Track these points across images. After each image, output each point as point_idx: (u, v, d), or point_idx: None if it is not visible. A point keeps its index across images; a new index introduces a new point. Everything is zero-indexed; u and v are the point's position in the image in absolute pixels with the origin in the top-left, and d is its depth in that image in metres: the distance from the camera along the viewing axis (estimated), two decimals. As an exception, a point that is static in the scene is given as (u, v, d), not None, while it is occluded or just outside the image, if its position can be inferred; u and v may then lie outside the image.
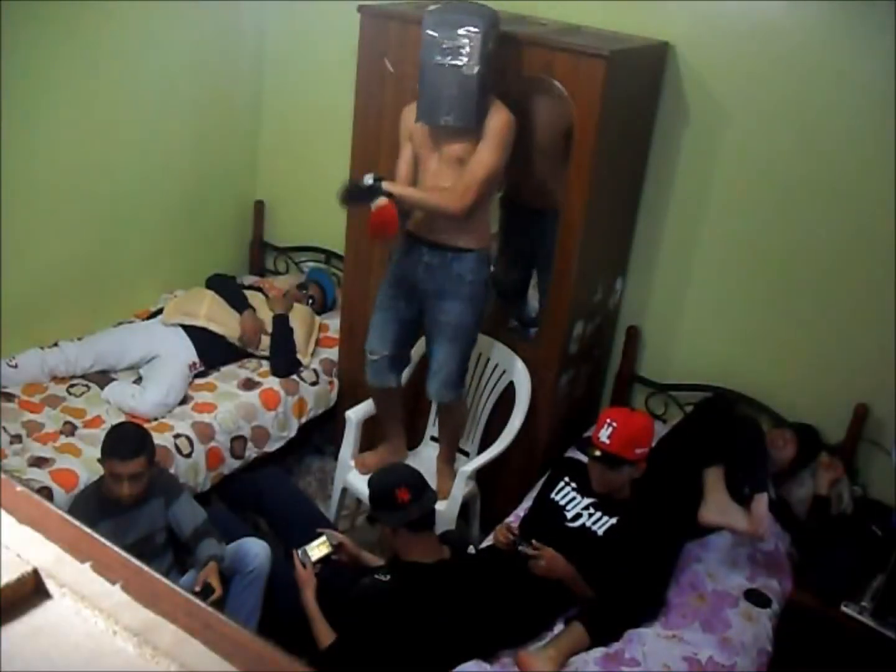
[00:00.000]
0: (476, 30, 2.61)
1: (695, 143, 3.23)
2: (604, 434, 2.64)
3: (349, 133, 3.34)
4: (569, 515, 2.73)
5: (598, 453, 2.65)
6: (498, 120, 2.73)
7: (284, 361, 3.66)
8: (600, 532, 2.67)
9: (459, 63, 2.63)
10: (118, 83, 3.58)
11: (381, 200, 2.67)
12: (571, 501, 2.76)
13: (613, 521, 2.68)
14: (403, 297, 2.99)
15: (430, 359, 3.07)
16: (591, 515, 2.71)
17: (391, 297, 3.02)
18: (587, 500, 2.74)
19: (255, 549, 2.72)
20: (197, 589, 2.47)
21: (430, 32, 2.65)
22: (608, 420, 2.66)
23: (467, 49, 2.61)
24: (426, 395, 3.12)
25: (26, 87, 3.23)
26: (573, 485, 2.80)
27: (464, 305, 2.92)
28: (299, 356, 3.71)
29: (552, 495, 2.82)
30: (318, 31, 3.92)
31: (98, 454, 2.71)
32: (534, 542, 2.54)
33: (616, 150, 3.06)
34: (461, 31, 2.61)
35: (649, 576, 2.69)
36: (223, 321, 3.67)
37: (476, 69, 2.63)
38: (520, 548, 2.55)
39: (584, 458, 2.78)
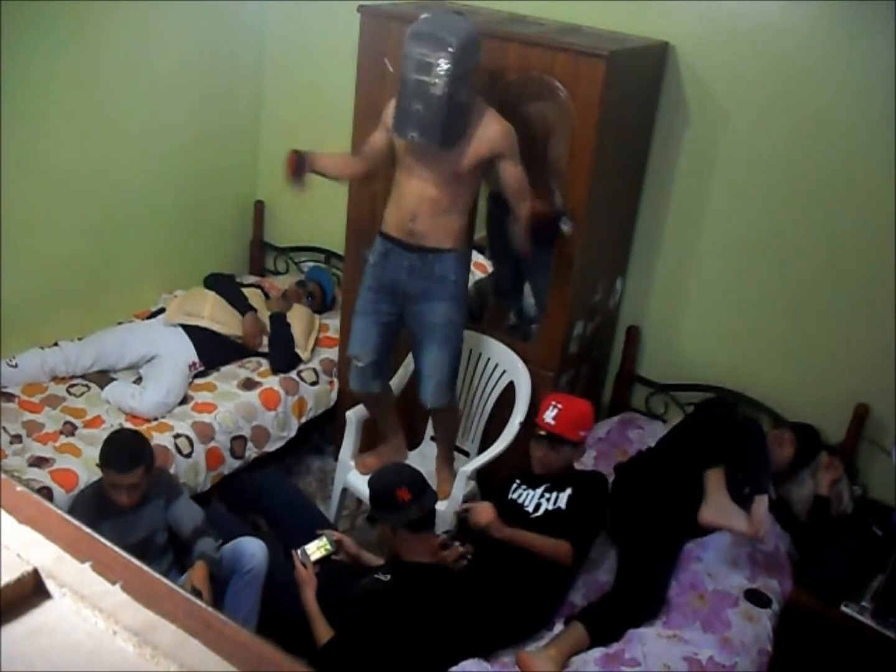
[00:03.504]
0: (450, 49, 2.54)
1: (695, 142, 3.23)
2: (549, 415, 2.76)
3: (349, 133, 3.34)
4: (530, 509, 2.77)
5: (542, 433, 2.75)
6: (508, 136, 2.74)
7: (283, 357, 3.67)
8: (563, 506, 2.72)
9: (428, 80, 2.57)
10: (118, 83, 3.58)
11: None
12: (527, 496, 2.81)
13: (569, 491, 2.74)
14: (384, 300, 2.97)
15: (419, 364, 3.05)
16: (548, 499, 2.77)
17: (372, 301, 2.99)
18: (539, 489, 2.80)
19: (253, 549, 2.72)
20: None
21: (408, 44, 2.61)
22: (553, 402, 2.79)
23: (438, 68, 2.55)
24: (419, 401, 3.11)
25: (26, 87, 3.23)
26: (524, 485, 2.86)
27: (450, 305, 2.92)
28: (298, 351, 3.71)
29: (510, 496, 2.86)
30: (318, 31, 3.92)
31: (98, 454, 2.71)
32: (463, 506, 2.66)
33: (616, 150, 3.06)
34: (436, 49, 2.55)
35: (648, 575, 2.69)
36: (226, 321, 3.68)
37: (445, 90, 2.57)
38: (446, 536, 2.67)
39: None
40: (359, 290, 3.05)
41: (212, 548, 2.66)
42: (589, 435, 2.89)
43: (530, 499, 2.79)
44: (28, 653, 0.71)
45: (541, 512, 2.74)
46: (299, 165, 2.85)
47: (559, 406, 2.76)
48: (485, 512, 2.64)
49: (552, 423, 2.74)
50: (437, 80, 2.56)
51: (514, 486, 2.88)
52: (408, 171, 2.81)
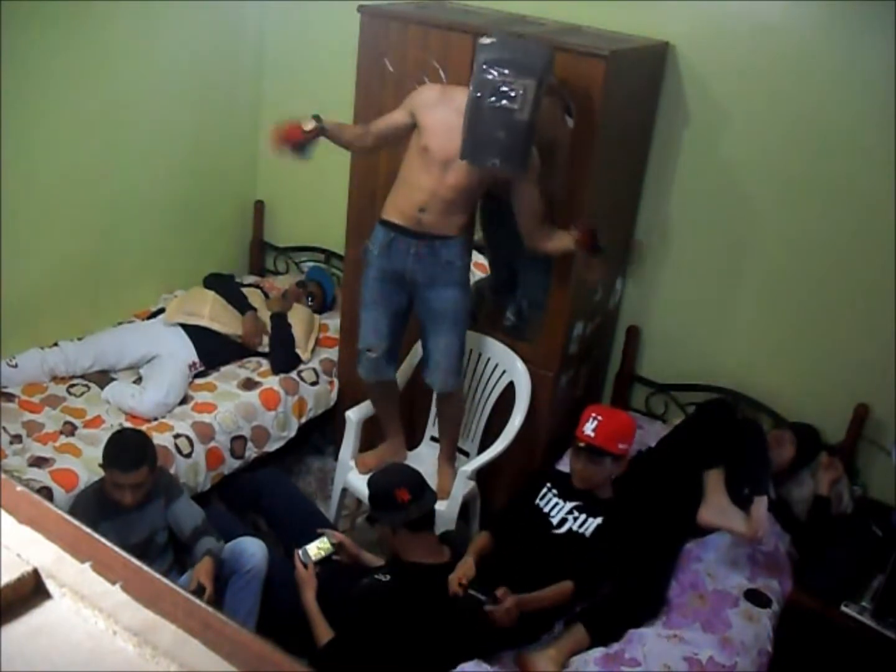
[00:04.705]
0: (532, 75, 2.51)
1: (695, 142, 3.23)
2: (588, 427, 2.70)
3: (349, 133, 3.34)
4: (554, 522, 2.72)
5: (582, 445, 2.70)
6: (535, 157, 2.73)
7: (284, 358, 3.67)
8: (588, 534, 2.66)
9: (513, 107, 2.52)
10: (118, 83, 3.58)
11: None
12: (555, 507, 2.76)
13: (599, 521, 2.67)
14: (392, 289, 2.97)
15: (428, 350, 3.06)
16: (576, 519, 2.71)
17: (379, 291, 2.99)
18: (570, 504, 2.74)
19: (252, 549, 2.72)
20: (191, 589, 2.47)
21: (486, 70, 2.54)
22: (593, 414, 2.73)
23: (521, 94, 2.51)
24: (426, 387, 3.12)
25: (26, 87, 3.23)
26: (555, 491, 2.80)
27: (458, 290, 2.93)
28: (298, 351, 3.72)
29: (536, 501, 2.81)
30: (318, 31, 3.92)
31: (98, 454, 2.72)
32: (497, 592, 2.39)
33: (616, 150, 3.06)
34: (521, 76, 2.50)
35: (648, 575, 2.69)
36: (226, 321, 3.68)
37: (528, 115, 2.53)
38: (471, 591, 2.41)
39: (564, 469, 2.82)
40: (362, 282, 3.04)
41: (216, 547, 2.66)
42: (630, 449, 2.80)
43: (557, 510, 2.74)
44: (28, 653, 0.71)
45: (563, 530, 2.69)
46: (307, 137, 2.72)
47: (599, 418, 2.70)
48: (506, 609, 2.37)
49: (592, 434, 2.68)
50: (523, 107, 2.52)
51: (545, 490, 2.82)
52: (425, 167, 2.78)
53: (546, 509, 2.77)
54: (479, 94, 2.56)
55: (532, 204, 2.82)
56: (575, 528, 2.68)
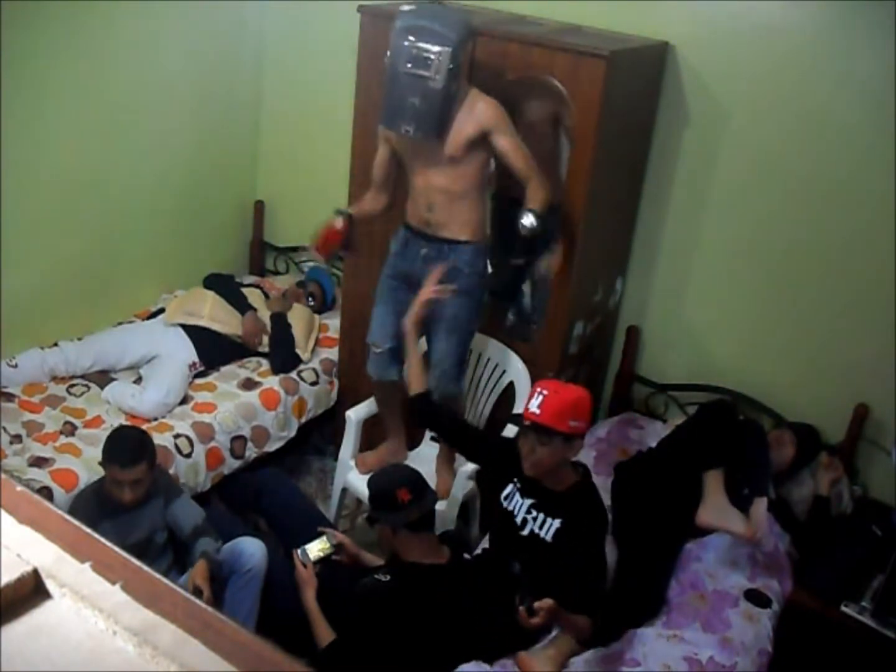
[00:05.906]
0: (447, 44, 2.53)
1: (695, 142, 3.23)
2: (533, 404, 2.39)
3: (349, 133, 3.34)
4: (518, 522, 2.54)
5: (527, 423, 2.41)
6: (493, 110, 2.71)
7: (283, 358, 3.67)
8: (549, 538, 2.47)
9: (426, 74, 2.56)
10: (118, 83, 3.58)
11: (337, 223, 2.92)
12: (517, 505, 2.56)
13: (557, 524, 2.45)
14: (402, 289, 3.00)
15: (429, 352, 3.07)
16: (535, 519, 2.49)
17: (390, 288, 3.04)
18: (528, 501, 2.52)
19: (252, 549, 2.72)
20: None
21: (401, 38, 2.59)
22: (539, 389, 2.42)
23: (436, 62, 2.54)
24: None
25: (27, 87, 3.23)
26: (517, 488, 2.58)
27: (461, 297, 2.93)
28: (298, 351, 3.72)
29: (502, 499, 2.63)
30: (318, 31, 3.92)
31: (98, 454, 2.72)
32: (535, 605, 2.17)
33: (616, 150, 3.06)
34: (431, 43, 2.54)
35: (647, 575, 2.69)
36: (226, 321, 3.68)
37: (443, 84, 2.57)
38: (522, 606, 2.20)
39: None
40: (379, 279, 3.09)
41: (213, 548, 2.66)
42: (587, 427, 2.52)
43: (518, 508, 2.56)
44: (28, 653, 0.71)
45: (526, 532, 2.52)
46: (344, 235, 2.91)
47: (545, 392, 2.38)
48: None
49: (536, 411, 2.37)
50: (437, 76, 2.56)
51: (510, 487, 2.62)
52: (411, 166, 2.85)
53: (510, 507, 2.59)
54: (395, 61, 2.59)
55: (511, 151, 2.74)
56: (536, 529, 2.49)
